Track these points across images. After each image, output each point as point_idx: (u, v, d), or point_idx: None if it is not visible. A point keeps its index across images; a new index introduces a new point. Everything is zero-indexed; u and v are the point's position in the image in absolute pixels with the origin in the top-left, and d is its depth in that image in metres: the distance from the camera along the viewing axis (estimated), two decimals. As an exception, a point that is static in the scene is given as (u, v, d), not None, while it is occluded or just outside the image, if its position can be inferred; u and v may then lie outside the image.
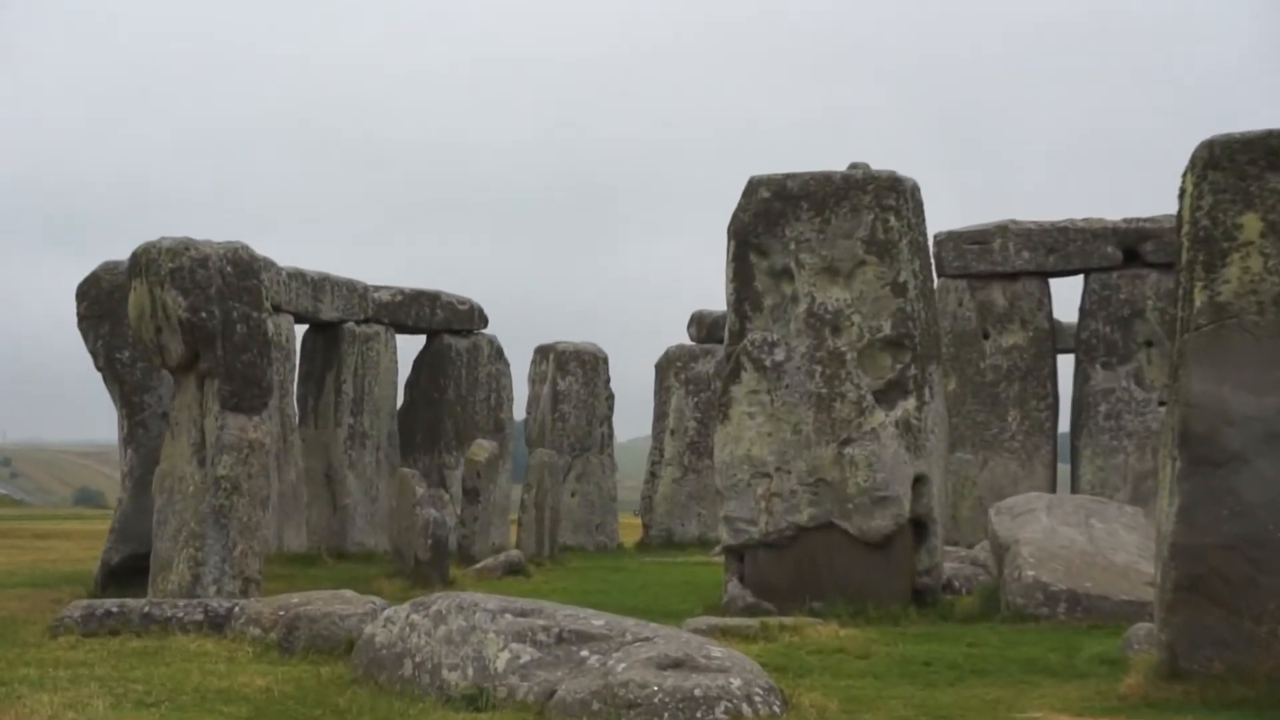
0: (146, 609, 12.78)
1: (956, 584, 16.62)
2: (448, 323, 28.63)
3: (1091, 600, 13.80)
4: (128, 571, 16.93)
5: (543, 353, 30.95)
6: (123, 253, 16.46)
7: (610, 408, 30.94)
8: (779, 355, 15.38)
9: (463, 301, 29.05)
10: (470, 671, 9.15)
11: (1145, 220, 26.08)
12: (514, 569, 20.67)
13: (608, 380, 30.98)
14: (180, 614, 12.72)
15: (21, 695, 9.35)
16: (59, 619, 12.75)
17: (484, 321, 29.47)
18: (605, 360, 31.03)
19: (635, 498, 37.83)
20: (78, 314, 17.81)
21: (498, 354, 29.46)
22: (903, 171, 15.61)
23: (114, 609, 12.76)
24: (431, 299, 28.41)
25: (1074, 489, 25.56)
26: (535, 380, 31.06)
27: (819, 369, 15.22)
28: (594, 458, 30.40)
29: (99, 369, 17.80)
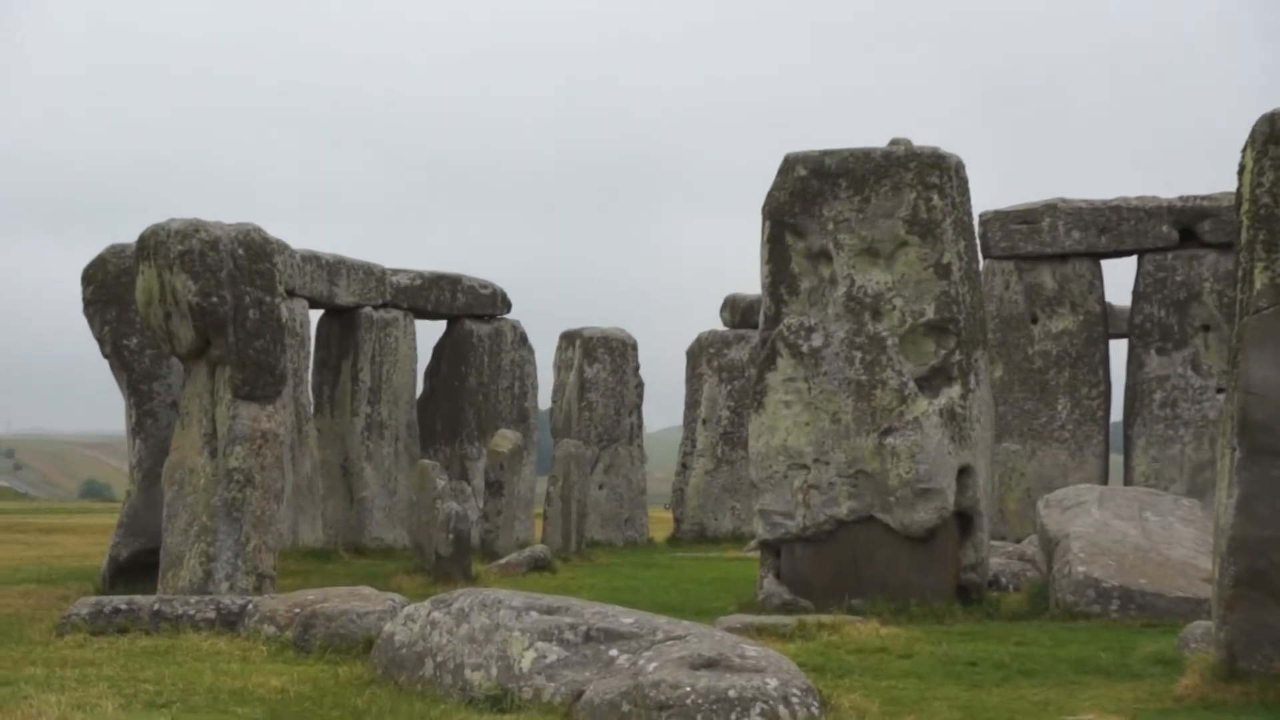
0: (156, 606, 12.83)
1: (1003, 580, 16.58)
2: (469, 307, 28.67)
3: (1145, 597, 13.76)
4: (137, 567, 17.00)
5: (569, 339, 30.97)
6: (130, 235, 16.53)
7: (639, 396, 30.95)
8: (817, 341, 15.35)
9: (485, 285, 29.09)
10: (494, 671, 9.17)
11: (1202, 198, 25.98)
12: (539, 565, 20.70)
13: (637, 367, 30.99)
14: (191, 611, 12.77)
15: (28, 695, 9.40)
16: (66, 617, 12.82)
17: (507, 306, 29.51)
18: (634, 346, 31.04)
19: (666, 490, 37.86)
20: (83, 299, 17.87)
21: (521, 340, 29.51)
22: (946, 147, 15.56)
23: (123, 606, 12.81)
24: (452, 283, 28.46)
25: (1127, 480, 25.49)
26: (561, 367, 31.09)
27: (859, 355, 15.19)
28: (623, 449, 30.42)
29: (106, 356, 17.87)
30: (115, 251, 17.89)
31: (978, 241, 17.25)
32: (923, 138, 15.65)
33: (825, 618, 13.23)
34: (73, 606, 13.05)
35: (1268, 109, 9.74)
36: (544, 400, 31.23)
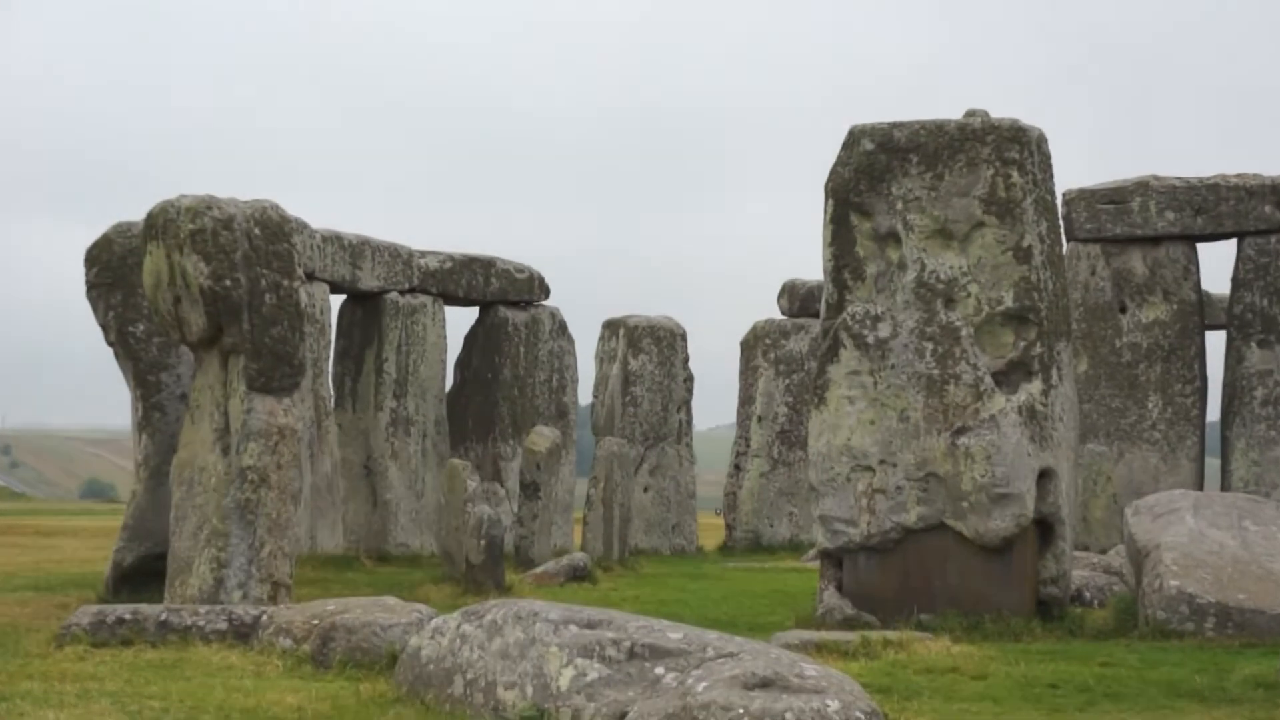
0: (163, 616, 12.90)
1: (1087, 595, 16.53)
2: (504, 293, 28.72)
3: (1245, 615, 13.69)
4: (142, 574, 17.08)
5: (612, 328, 30.98)
6: (137, 212, 16.62)
7: (689, 391, 30.95)
8: (884, 331, 15.32)
9: (521, 269, 29.13)
10: (529, 690, 9.18)
11: (1310, 175, 25.83)
12: (579, 574, 20.72)
13: (686, 359, 30.98)
14: (201, 622, 12.83)
15: (25, 712, 9.46)
16: (66, 627, 12.89)
17: (545, 292, 29.54)
18: (683, 336, 31.03)
19: (717, 494, 37.82)
20: (86, 282, 17.96)
21: (561, 329, 29.54)
22: (1027, 119, 15.50)
23: (127, 616, 12.88)
24: (485, 266, 28.51)
25: (1224, 486, 25.36)
26: (603, 359, 31.11)
27: (930, 347, 15.16)
28: (670, 448, 30.43)
29: (110, 344, 17.96)
30: (121, 230, 17.97)
31: (1061, 223, 17.16)
32: (1001, 109, 15.62)
33: (891, 634, 13.22)
34: (73, 616, 13.12)
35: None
36: (584, 395, 31.26)
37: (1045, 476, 14.96)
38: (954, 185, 15.29)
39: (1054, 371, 15.10)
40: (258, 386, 15.23)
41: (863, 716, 8.32)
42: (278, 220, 15.57)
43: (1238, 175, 26.31)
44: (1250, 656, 12.48)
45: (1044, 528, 15.05)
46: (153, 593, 16.00)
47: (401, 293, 26.74)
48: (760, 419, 31.29)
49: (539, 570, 20.81)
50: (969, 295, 15.16)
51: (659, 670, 8.90)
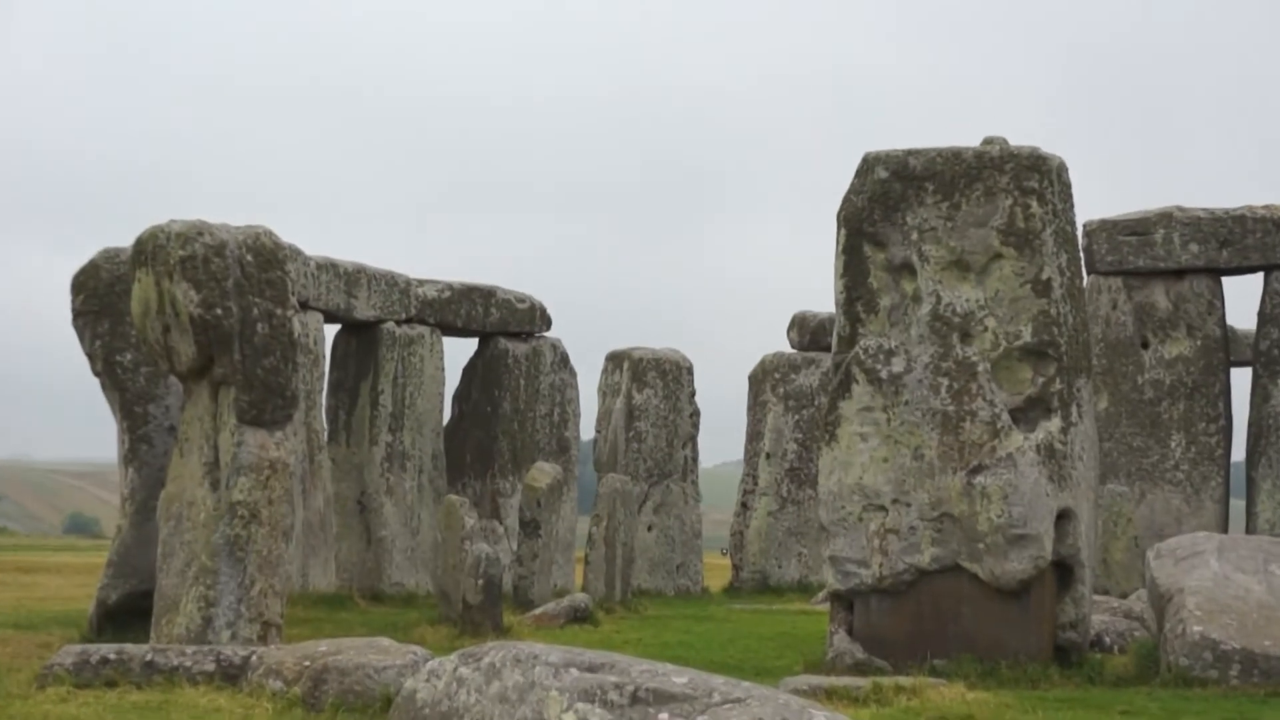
0: (149, 656, 12.88)
1: (1107, 640, 16.50)
2: (504, 324, 28.74)
3: (1271, 661, 13.66)
4: (127, 612, 17.08)
5: (615, 360, 31.00)
6: (126, 238, 16.64)
7: (695, 426, 30.95)
8: (897, 365, 15.32)
9: (521, 299, 29.15)
10: (528, 735, 9.16)
11: (1339, 208, 25.85)
12: (580, 616, 20.70)
13: (692, 394, 30.99)
14: (188, 663, 12.81)
15: (4, 755, 9.46)
16: (48, 667, 12.87)
17: (546, 323, 29.56)
18: (689, 370, 31.04)
19: (723, 533, 37.81)
20: (72, 310, 17.99)
21: (563, 361, 29.55)
22: (1047, 147, 15.52)
23: (111, 656, 12.87)
24: (485, 295, 28.54)
25: (1250, 528, 25.32)
26: (606, 393, 31.12)
27: (945, 382, 15.15)
28: (675, 485, 30.42)
29: (96, 374, 17.98)
30: (109, 256, 18.00)
31: (1081, 255, 17.17)
32: (1020, 136, 15.63)
33: (904, 680, 13.18)
34: (55, 656, 13.10)
35: None
36: (587, 429, 31.25)
37: (1064, 517, 14.95)
38: (971, 215, 15.30)
39: (1074, 409, 15.09)
40: (249, 419, 15.23)
41: (874, 765, 8.30)
42: (271, 247, 15.59)
43: (1265, 206, 26.33)
44: (1277, 705, 12.46)
45: (1063, 570, 15.02)
46: (138, 632, 15.99)
47: (398, 323, 26.76)
48: (769, 456, 31.27)
49: (538, 611, 20.78)
50: (986, 329, 15.16)
51: (663, 716, 8.88)
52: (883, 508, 15.24)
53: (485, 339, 28.91)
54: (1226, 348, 26.45)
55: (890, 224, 15.56)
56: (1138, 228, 26.47)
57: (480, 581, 19.00)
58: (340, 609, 22.29)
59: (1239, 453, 26.48)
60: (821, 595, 24.86)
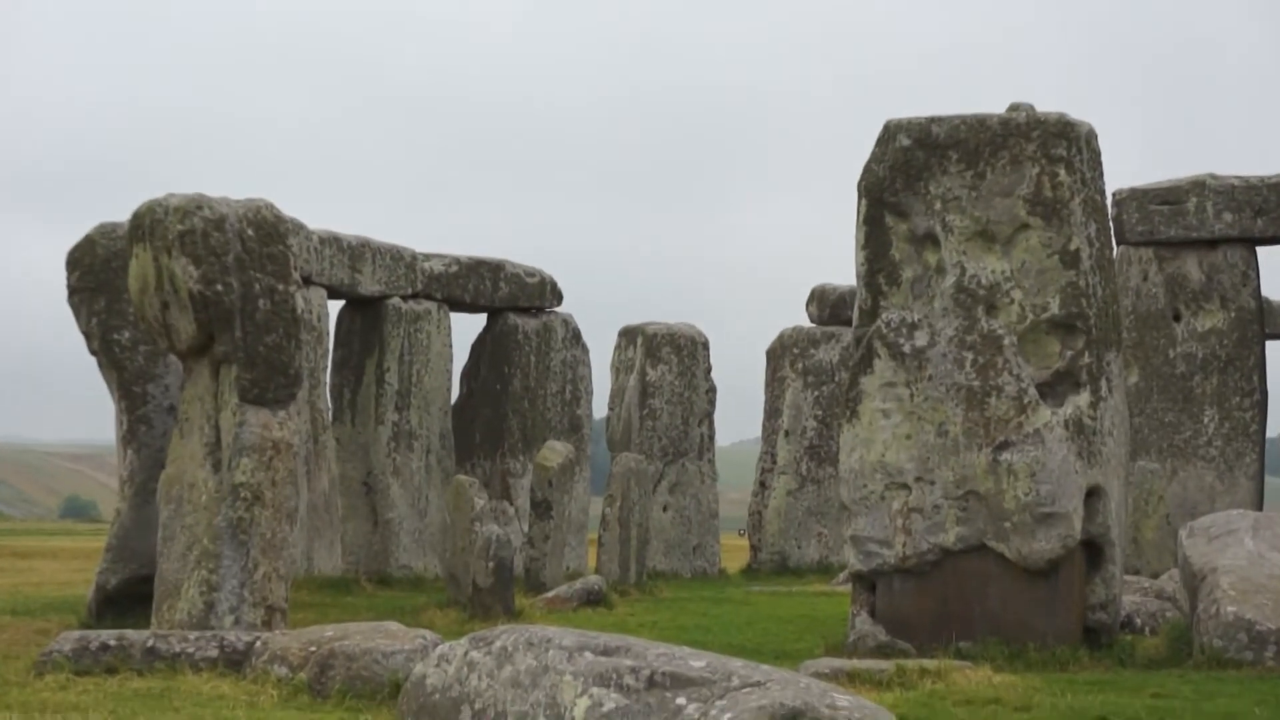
0: (150, 642, 12.93)
1: (1138, 621, 16.50)
2: (513, 299, 28.75)
3: (1307, 643, 13.65)
4: (127, 597, 17.13)
5: (629, 336, 31.01)
6: (123, 212, 16.65)
7: (711, 403, 30.97)
8: (920, 340, 15.32)
9: (531, 273, 29.16)
10: (541, 721, 9.18)
11: (1378, 174, 25.79)
12: (593, 598, 20.73)
13: (708, 370, 31.01)
14: (191, 649, 12.86)
15: (2, 744, 9.49)
16: (46, 654, 12.92)
17: (558, 297, 29.57)
18: (705, 345, 31.05)
19: (741, 514, 37.82)
20: (68, 287, 18.00)
21: (574, 337, 29.57)
22: (1075, 113, 15.49)
23: (111, 642, 12.91)
24: (494, 270, 28.55)
25: (1285, 506, 25.29)
26: (620, 369, 31.14)
27: (970, 356, 15.15)
28: (691, 464, 30.44)
29: (93, 353, 18.00)
30: (105, 232, 18.02)
31: (1111, 225, 17.16)
32: (1047, 103, 15.60)
33: (928, 663, 13.20)
34: (54, 642, 13.15)
35: None
36: (600, 407, 31.29)
37: (1093, 495, 14.94)
38: (996, 184, 15.28)
39: (1103, 383, 15.08)
40: (251, 398, 15.26)
41: (898, 750, 8.32)
42: (272, 220, 15.60)
43: (1301, 173, 26.25)
44: (1313, 688, 12.46)
45: (1092, 550, 15.02)
46: (138, 617, 16.03)
47: (404, 298, 26.78)
48: (787, 433, 31.28)
49: (550, 594, 20.82)
50: (1012, 302, 15.15)
51: (680, 700, 8.90)
52: (906, 486, 15.24)
53: (494, 314, 28.92)
54: (1261, 320, 26.39)
55: (913, 193, 15.55)
56: (1169, 196, 26.41)
57: (490, 564, 19.03)
58: (346, 593, 22.34)
59: (1275, 428, 26.48)
60: (843, 576, 24.87)
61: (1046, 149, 15.20)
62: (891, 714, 8.92)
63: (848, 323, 27.66)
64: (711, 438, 31.09)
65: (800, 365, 31.38)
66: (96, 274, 17.88)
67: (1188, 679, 13.14)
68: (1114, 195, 26.09)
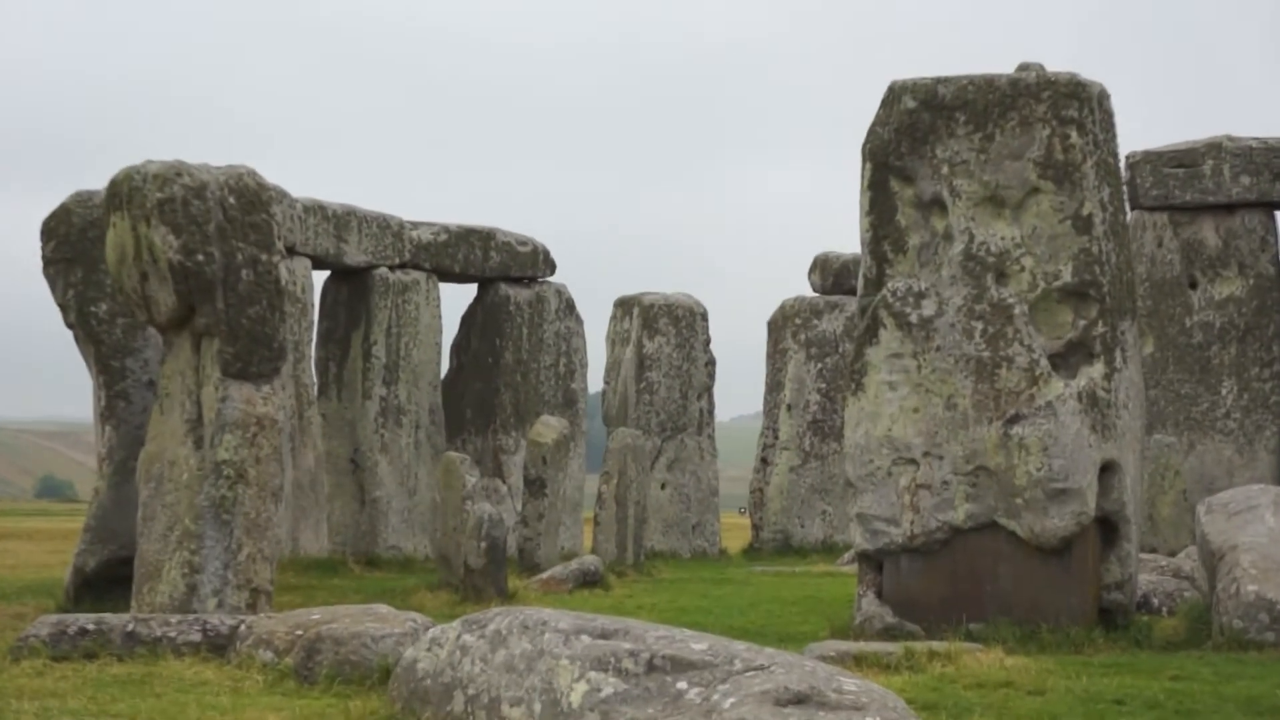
0: (130, 627, 12.92)
1: (1155, 601, 16.52)
2: (505, 268, 28.74)
3: (1330, 623, 13.67)
4: (106, 580, 17.13)
5: (625, 306, 31.01)
6: (99, 180, 16.64)
7: (711, 377, 30.97)
8: (928, 309, 15.31)
9: (523, 241, 29.15)
10: (537, 707, 9.19)
11: (1402, 135, 25.78)
12: (589, 579, 20.75)
13: (707, 342, 31.00)
14: (172, 633, 12.86)
15: (-23, 733, 9.49)
16: (22, 638, 12.92)
17: (551, 267, 29.56)
18: (704, 316, 31.05)
19: (742, 491, 37.85)
20: (43, 257, 17.99)
21: (568, 308, 29.56)
22: (1087, 73, 15.48)
23: (90, 626, 12.91)
24: (484, 238, 28.53)
25: (1307, 481, 25.32)
26: (615, 341, 31.14)
27: (979, 326, 15.14)
28: (690, 440, 30.46)
29: (69, 326, 17.99)
30: (81, 200, 18.00)
31: (1125, 189, 17.14)
32: (1057, 62, 15.58)
33: (938, 645, 13.21)
34: (30, 627, 13.15)
35: None
36: (595, 381, 31.28)
37: (1108, 470, 14.95)
38: (1006, 147, 15.26)
39: (1117, 353, 15.08)
40: (233, 372, 15.25)
41: (907, 735, 8.33)
42: (255, 188, 15.59)
43: (1322, 134, 26.25)
44: (1336, 669, 12.47)
45: (1107, 527, 15.03)
46: (118, 600, 16.03)
47: (392, 268, 26.77)
48: (790, 407, 31.28)
49: (545, 575, 20.83)
50: (1023, 269, 15.14)
51: (681, 685, 8.90)
52: (913, 461, 15.24)
53: (485, 285, 28.91)
54: (1281, 287, 26.41)
55: (919, 157, 15.53)
56: (1185, 159, 26.41)
57: (483, 544, 19.04)
58: (333, 575, 22.36)
59: (1295, 400, 26.46)
60: (848, 556, 24.91)
61: (1057, 110, 15.17)
62: (900, 698, 8.93)
63: (852, 292, 27.66)
64: (711, 412, 31.10)
65: (803, 336, 31.38)
66: (72, 244, 17.86)
67: (1207, 661, 13.16)
68: (1127, 158, 26.10)
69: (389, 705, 10.36)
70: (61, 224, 17.95)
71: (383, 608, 12.79)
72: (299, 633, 12.22)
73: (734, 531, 34.85)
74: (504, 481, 27.22)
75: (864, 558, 15.58)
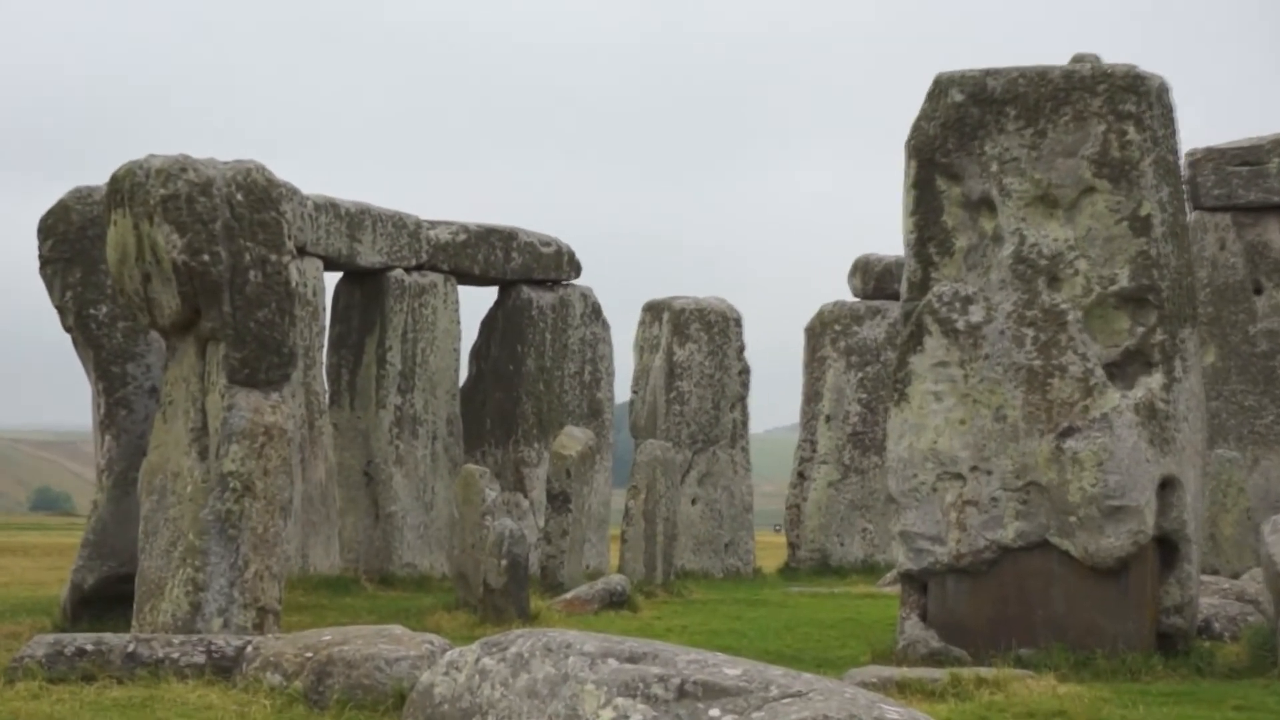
0: (131, 647, 12.95)
1: (1217, 626, 16.49)
2: (527, 270, 28.77)
3: (1403, 650, 13.64)
4: (106, 597, 17.17)
5: (654, 311, 31.01)
6: (99, 176, 16.67)
7: (745, 386, 30.97)
8: (976, 315, 15.30)
9: (547, 242, 29.17)
10: (561, 735, 9.19)
11: None
12: (616, 600, 20.76)
13: (741, 349, 31.00)
14: (175, 654, 12.87)
15: (-31, 759, 9.52)
16: (17, 659, 12.94)
17: (576, 269, 29.59)
18: (738, 321, 31.04)
19: (778, 507, 37.84)
20: (40, 256, 18.04)
21: (594, 313, 29.59)
22: (1146, 65, 15.46)
23: (88, 647, 12.93)
24: (506, 239, 28.56)
25: (1378, 499, 25.25)
26: (644, 348, 31.14)
27: (1030, 334, 15.13)
28: (722, 453, 30.45)
29: (67, 329, 18.03)
30: (80, 196, 18.05)
31: (1185, 188, 17.11)
32: (1115, 54, 15.55)
33: (985, 671, 13.20)
34: (25, 647, 13.17)
35: None
36: (622, 390, 31.30)
37: (1167, 486, 14.92)
38: (1059, 143, 15.25)
39: (1177, 363, 15.05)
40: (240, 379, 15.27)
41: (954, 767, 8.32)
42: (264, 185, 15.61)
43: (1395, 131, 26.19)
44: None
45: (1166, 547, 15.00)
46: (118, 620, 16.07)
47: (408, 270, 26.80)
48: (829, 419, 31.29)
49: (569, 595, 20.85)
50: (1076, 273, 15.12)
51: (714, 712, 8.90)
52: (960, 476, 15.23)
53: (506, 287, 28.94)
54: (1351, 293, 26.36)
55: (966, 154, 15.52)
56: (1249, 157, 26.36)
57: (503, 562, 19.05)
58: (345, 593, 22.39)
59: (1366, 413, 26.40)
60: (890, 576, 24.88)
61: (1114, 104, 15.15)
62: (946, 727, 8.93)
63: (895, 296, 27.63)
64: (745, 424, 31.08)
65: (843, 344, 31.38)
66: (71, 243, 17.90)
67: (1273, 690, 13.15)
68: (1188, 155, 26.08)
69: (404, 732, 10.37)
70: (60, 222, 17.99)
71: (397, 629, 12.80)
72: (309, 655, 12.23)
73: (769, 550, 34.85)
74: (525, 496, 27.24)
75: (907, 578, 15.56)
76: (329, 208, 25.25)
